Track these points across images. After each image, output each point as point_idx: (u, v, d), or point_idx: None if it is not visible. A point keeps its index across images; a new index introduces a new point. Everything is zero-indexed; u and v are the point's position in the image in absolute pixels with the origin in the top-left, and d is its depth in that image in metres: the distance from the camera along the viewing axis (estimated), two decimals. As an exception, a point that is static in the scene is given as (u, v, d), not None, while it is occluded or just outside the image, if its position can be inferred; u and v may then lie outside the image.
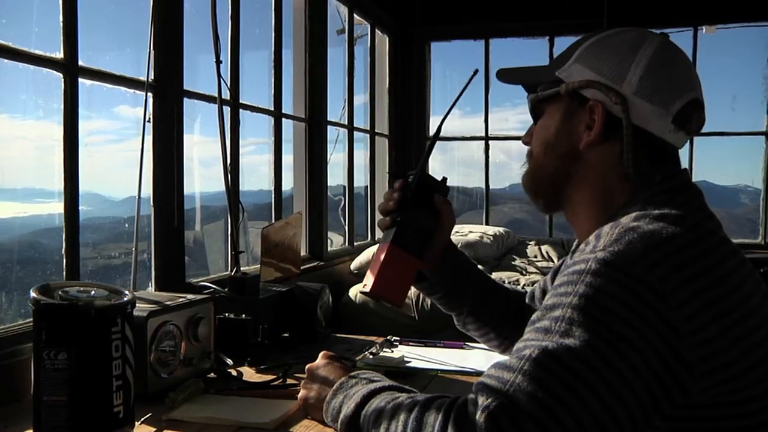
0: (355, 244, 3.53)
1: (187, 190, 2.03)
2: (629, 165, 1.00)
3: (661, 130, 1.00)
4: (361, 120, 3.72)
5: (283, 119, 2.76)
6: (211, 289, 1.71)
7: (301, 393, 1.24)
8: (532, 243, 3.76)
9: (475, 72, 1.36)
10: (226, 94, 2.17)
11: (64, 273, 1.60)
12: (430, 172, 4.46)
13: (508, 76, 1.22)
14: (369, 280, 1.23)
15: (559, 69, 1.07)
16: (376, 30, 3.84)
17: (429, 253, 1.29)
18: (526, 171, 1.14)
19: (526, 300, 1.44)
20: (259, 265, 2.11)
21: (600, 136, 1.02)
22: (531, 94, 1.13)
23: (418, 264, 1.27)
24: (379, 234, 3.85)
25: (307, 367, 1.26)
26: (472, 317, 1.37)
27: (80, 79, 1.63)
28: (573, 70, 1.05)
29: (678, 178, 1.02)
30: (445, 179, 1.30)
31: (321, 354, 1.28)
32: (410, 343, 1.79)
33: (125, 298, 1.11)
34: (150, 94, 1.88)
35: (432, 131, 4.33)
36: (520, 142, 1.18)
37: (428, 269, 1.34)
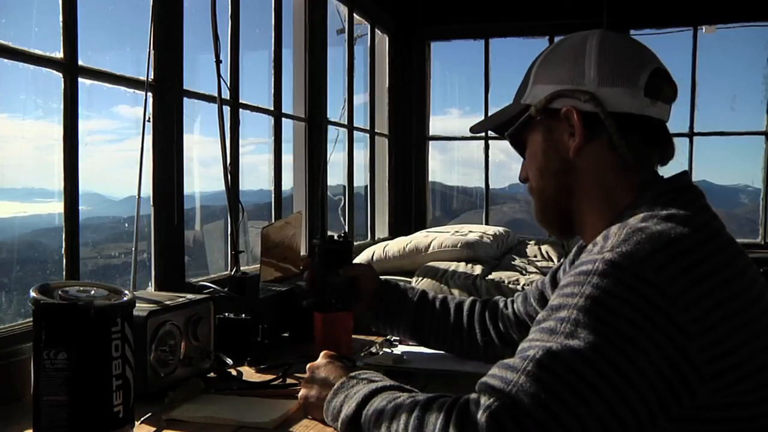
0: (355, 244, 3.53)
1: (187, 190, 2.03)
2: (624, 151, 1.00)
3: (639, 107, 1.00)
4: (360, 120, 3.72)
5: (283, 119, 2.75)
6: (211, 289, 1.71)
7: (302, 392, 1.24)
8: (532, 243, 3.76)
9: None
10: (226, 94, 2.17)
11: (64, 273, 1.60)
12: (429, 172, 4.46)
13: (479, 127, 1.24)
14: (315, 345, 1.57)
15: (523, 97, 1.08)
16: (376, 29, 3.83)
17: (356, 301, 1.60)
18: (534, 205, 1.15)
19: (518, 302, 1.47)
20: (259, 265, 2.10)
21: (584, 137, 1.02)
22: (506, 131, 1.14)
23: (349, 316, 1.61)
24: (379, 234, 3.87)
25: (307, 366, 1.26)
26: (426, 338, 1.59)
27: (80, 79, 1.63)
28: (535, 91, 1.07)
29: (680, 179, 1.02)
30: (345, 234, 1.62)
31: (321, 354, 1.28)
32: (410, 343, 1.78)
33: (125, 298, 1.11)
34: (150, 94, 1.88)
35: (432, 131, 4.34)
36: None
37: (366, 312, 1.62)
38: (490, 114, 1.22)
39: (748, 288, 0.89)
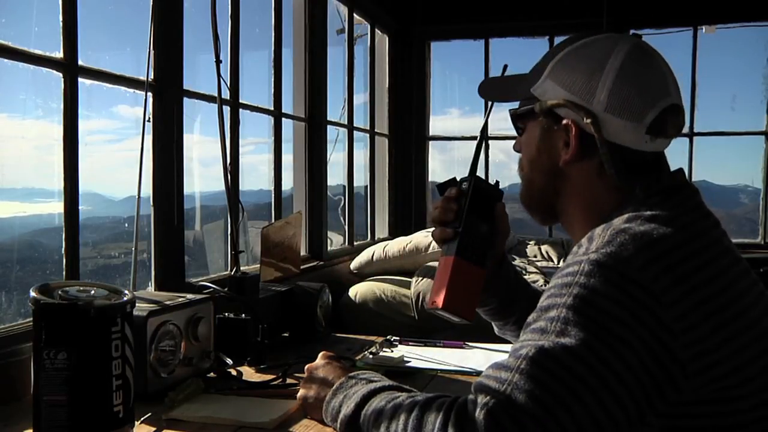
0: (355, 243, 3.53)
1: (187, 190, 2.03)
2: (614, 179, 1.00)
3: (636, 143, 0.99)
4: (360, 120, 3.72)
5: (283, 119, 2.76)
6: (211, 289, 1.71)
7: (301, 392, 1.24)
8: (532, 243, 3.76)
9: (505, 67, 1.27)
10: (226, 94, 2.17)
11: (64, 273, 1.60)
12: (429, 172, 4.47)
13: (487, 90, 1.22)
14: (438, 296, 1.14)
15: (534, 85, 1.06)
16: (376, 29, 3.84)
17: (489, 262, 1.22)
18: (521, 186, 1.15)
19: None
20: (259, 265, 2.11)
21: (576, 155, 1.02)
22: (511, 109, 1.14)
23: (483, 274, 1.19)
24: (379, 234, 3.86)
25: (306, 367, 1.26)
26: (516, 326, 1.31)
27: (80, 79, 1.63)
28: (546, 86, 1.04)
29: (671, 179, 1.02)
30: (497, 183, 1.25)
31: (320, 354, 1.28)
32: (410, 343, 1.79)
33: (125, 298, 1.11)
34: (150, 94, 1.88)
35: (432, 131, 4.34)
36: (519, 142, 1.19)
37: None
38: (506, 74, 1.19)
39: (732, 286, 0.90)
